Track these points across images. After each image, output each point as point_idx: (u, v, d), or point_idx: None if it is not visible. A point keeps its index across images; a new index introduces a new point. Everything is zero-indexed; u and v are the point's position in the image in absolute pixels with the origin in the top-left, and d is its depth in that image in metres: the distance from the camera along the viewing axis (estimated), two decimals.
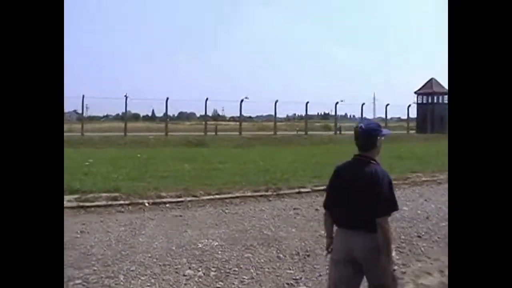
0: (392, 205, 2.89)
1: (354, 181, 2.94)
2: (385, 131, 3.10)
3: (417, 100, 44.70)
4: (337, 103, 39.77)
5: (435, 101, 43.33)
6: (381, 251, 2.82)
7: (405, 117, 45.43)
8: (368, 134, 3.00)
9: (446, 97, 43.23)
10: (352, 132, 3.19)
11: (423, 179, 12.19)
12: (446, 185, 9.54)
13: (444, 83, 43.30)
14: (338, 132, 38.26)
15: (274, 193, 9.51)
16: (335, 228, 3.12)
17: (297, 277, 4.71)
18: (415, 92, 44.83)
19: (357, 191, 2.92)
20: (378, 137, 3.01)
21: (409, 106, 43.09)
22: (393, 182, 2.99)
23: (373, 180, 2.87)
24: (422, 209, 8.28)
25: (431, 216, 7.70)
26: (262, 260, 5.23)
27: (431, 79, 44.03)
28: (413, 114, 44.53)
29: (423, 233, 6.61)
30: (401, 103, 59.96)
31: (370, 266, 2.91)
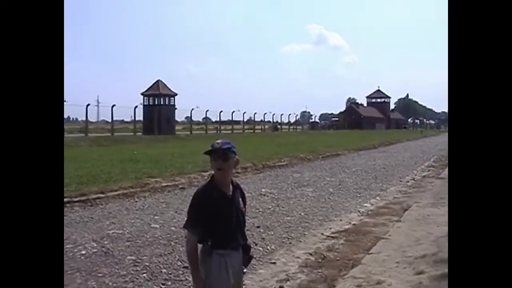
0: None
1: None
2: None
3: (144, 102, 44.21)
4: None
5: (162, 102, 43.81)
6: None
7: (129, 119, 43.96)
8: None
9: (172, 98, 44.34)
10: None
11: (163, 184, 10.94)
12: (191, 191, 8.48)
13: (170, 85, 44.46)
14: None
15: None
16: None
17: None
18: (141, 94, 44.32)
19: None
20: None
21: (136, 107, 42.01)
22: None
23: None
24: (175, 225, 6.88)
25: None
26: None
27: (158, 80, 44.40)
28: (140, 116, 43.62)
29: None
30: (127, 105, 57.92)
31: None
